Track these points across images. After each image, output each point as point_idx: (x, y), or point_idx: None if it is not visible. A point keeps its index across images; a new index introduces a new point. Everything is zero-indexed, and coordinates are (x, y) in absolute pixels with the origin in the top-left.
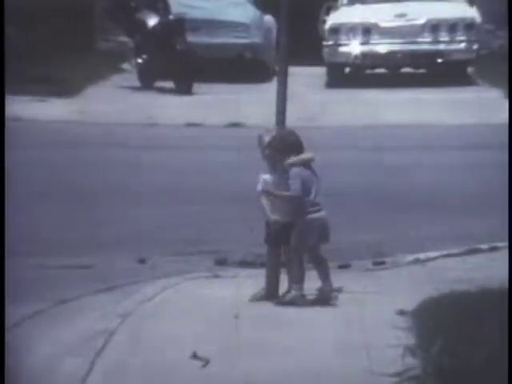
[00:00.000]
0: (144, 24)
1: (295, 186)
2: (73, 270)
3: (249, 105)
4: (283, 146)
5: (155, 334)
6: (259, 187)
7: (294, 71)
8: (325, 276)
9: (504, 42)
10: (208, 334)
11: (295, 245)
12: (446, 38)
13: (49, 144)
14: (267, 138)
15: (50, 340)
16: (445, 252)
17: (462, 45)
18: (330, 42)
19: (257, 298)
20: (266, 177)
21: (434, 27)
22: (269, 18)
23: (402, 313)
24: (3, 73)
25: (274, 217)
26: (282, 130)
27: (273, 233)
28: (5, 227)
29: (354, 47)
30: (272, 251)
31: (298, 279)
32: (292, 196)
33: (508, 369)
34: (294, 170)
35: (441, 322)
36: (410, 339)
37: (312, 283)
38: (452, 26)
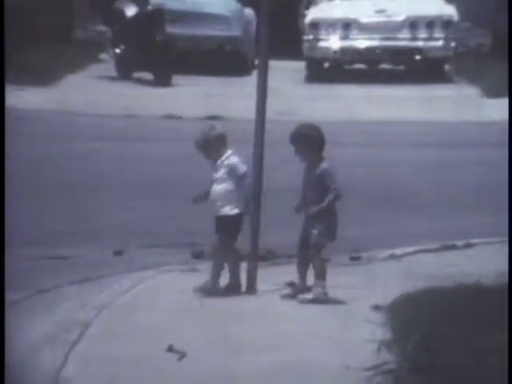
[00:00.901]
0: (122, 14)
1: (336, 184)
2: (50, 261)
3: (228, 97)
4: (309, 141)
5: (131, 326)
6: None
7: (274, 65)
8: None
9: (483, 40)
10: (184, 326)
11: (321, 240)
12: (424, 35)
13: (25, 134)
14: (213, 133)
15: (25, 330)
16: (420, 248)
17: (440, 42)
18: (310, 37)
19: (202, 292)
20: None
21: (412, 24)
22: (249, 11)
23: (377, 308)
24: (3, 68)
25: (221, 212)
26: (305, 125)
27: (223, 227)
28: (4, 220)
29: (333, 42)
30: (222, 246)
31: (321, 275)
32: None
33: (508, 367)
34: (332, 167)
35: (416, 318)
36: (385, 334)
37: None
38: (430, 23)
